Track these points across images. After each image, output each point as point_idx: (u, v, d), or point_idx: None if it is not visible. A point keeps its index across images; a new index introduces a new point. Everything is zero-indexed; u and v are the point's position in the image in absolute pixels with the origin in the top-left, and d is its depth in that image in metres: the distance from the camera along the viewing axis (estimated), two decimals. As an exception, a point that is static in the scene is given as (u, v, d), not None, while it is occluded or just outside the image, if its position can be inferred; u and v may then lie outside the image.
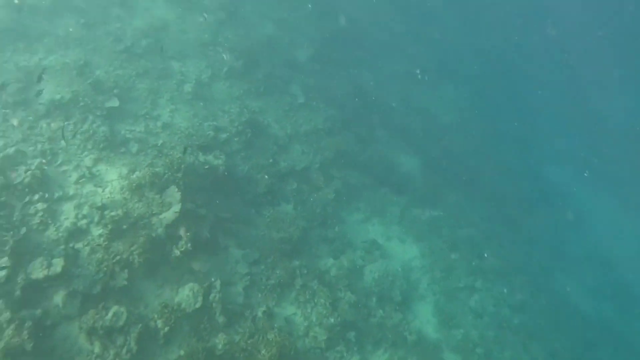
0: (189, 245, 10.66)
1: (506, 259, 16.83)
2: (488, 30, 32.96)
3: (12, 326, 8.82)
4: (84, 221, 10.86)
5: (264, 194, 13.45)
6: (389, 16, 27.70)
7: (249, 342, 10.10)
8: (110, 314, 9.42)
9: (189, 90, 15.88)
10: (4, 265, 9.56)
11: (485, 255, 15.74)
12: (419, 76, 24.85)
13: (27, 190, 11.32)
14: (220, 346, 9.80)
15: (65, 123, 12.51)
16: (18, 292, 9.31)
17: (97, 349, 9.13)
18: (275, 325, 10.81)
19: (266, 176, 13.87)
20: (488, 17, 33.85)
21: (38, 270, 9.61)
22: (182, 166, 11.98)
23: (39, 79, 12.28)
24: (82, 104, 14.02)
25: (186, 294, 10.17)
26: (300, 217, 13.57)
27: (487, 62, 31.20)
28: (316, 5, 24.11)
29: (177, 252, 10.57)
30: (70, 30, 17.06)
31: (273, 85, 17.58)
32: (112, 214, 10.85)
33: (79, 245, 10.39)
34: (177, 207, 10.90)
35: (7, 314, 9.00)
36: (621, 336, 18.00)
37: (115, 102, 14.28)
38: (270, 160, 14.47)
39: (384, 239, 14.73)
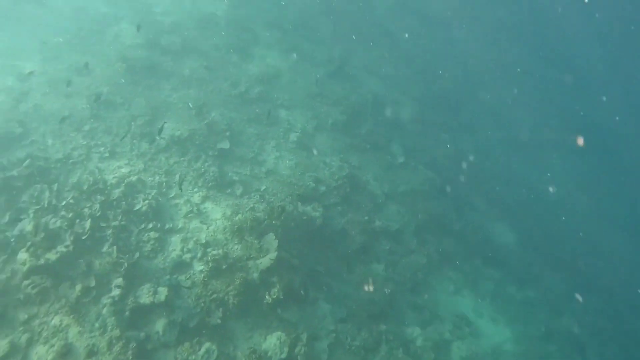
0: (281, 293, 11.39)
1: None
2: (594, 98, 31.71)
3: (120, 344, 9.97)
4: (188, 255, 12.07)
5: (357, 251, 13.97)
6: (498, 80, 27.90)
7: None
8: (202, 350, 10.29)
9: (294, 139, 17.15)
10: (119, 285, 10.89)
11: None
12: (520, 143, 24.50)
13: (143, 217, 12.87)
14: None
15: (180, 173, 14.02)
16: (127, 313, 10.52)
17: None
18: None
19: (357, 234, 14.43)
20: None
21: (145, 296, 10.81)
22: (282, 215, 12.93)
23: (160, 130, 14.07)
24: (197, 142, 15.74)
25: (273, 342, 10.80)
26: (390, 280, 13.85)
27: (596, 133, 30.05)
28: (423, 64, 25.07)
29: (268, 299, 11.33)
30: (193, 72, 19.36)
31: (374, 142, 18.42)
32: (214, 252, 11.95)
33: (181, 277, 11.54)
34: (273, 255, 11.75)
35: (116, 331, 10.20)
36: None
37: (226, 144, 15.84)
38: (366, 218, 15.05)
39: (475, 315, 14.49)
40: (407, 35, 26.89)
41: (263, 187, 14.62)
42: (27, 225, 12.34)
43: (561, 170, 26.36)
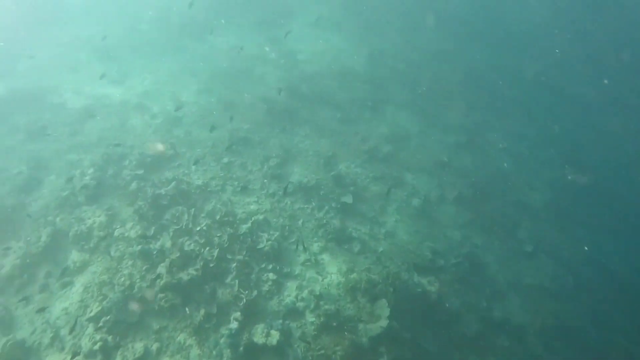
0: (388, 364, 11.65)
1: None
2: None
3: None
4: (302, 304, 12.85)
5: (472, 339, 13.70)
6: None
7: None
8: (303, 402, 10.83)
9: (416, 205, 17.60)
10: (237, 318, 11.93)
11: None
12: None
13: (264, 257, 14.00)
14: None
15: (298, 235, 15.05)
16: (241, 349, 11.47)
17: None
18: None
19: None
20: None
21: (259, 336, 11.70)
22: (397, 282, 13.30)
23: (285, 189, 15.61)
24: (322, 192, 16.84)
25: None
26: None
27: None
28: (564, 147, 24.35)
29: (374, 368, 11.65)
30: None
31: (500, 223, 18.19)
32: (326, 307, 12.60)
33: (293, 324, 12.31)
34: (384, 323, 12.10)
35: None
36: None
37: (349, 199, 16.73)
38: (484, 304, 14.77)
39: None
40: (545, 115, 26.43)
41: (380, 249, 15.15)
42: (167, 241, 14.08)
43: None
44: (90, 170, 17.01)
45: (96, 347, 11.46)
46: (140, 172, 17.06)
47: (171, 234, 14.31)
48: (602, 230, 20.43)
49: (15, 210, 15.84)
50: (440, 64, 28.84)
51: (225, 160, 18.24)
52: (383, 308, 12.61)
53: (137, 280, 12.93)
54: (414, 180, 19.00)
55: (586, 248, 18.67)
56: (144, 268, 13.26)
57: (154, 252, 13.64)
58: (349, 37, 30.91)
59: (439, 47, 30.61)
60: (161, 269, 12.86)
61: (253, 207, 16.09)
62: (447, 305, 14.06)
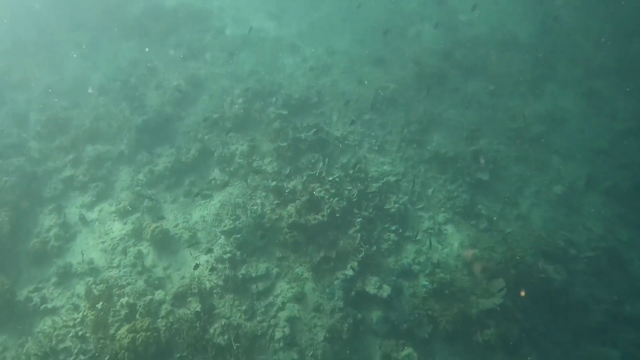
0: (493, 338, 12.49)
1: None
2: None
3: (340, 314, 12.67)
4: (417, 267, 14.06)
5: (592, 329, 13.92)
6: None
7: None
8: (405, 352, 12.23)
9: (558, 192, 17.42)
10: (353, 267, 13.63)
11: None
12: None
13: (389, 218, 15.38)
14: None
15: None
16: (353, 293, 13.17)
17: None
18: None
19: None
20: None
21: (371, 287, 13.24)
22: (519, 266, 13.83)
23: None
24: (458, 165, 17.51)
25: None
26: None
27: None
28: None
29: (479, 338, 12.57)
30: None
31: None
32: (442, 275, 13.64)
33: (406, 283, 13.67)
34: (498, 300, 12.85)
35: (340, 303, 12.95)
36: None
37: (485, 176, 17.20)
38: (615, 298, 14.70)
39: None
40: None
41: (508, 230, 15.59)
42: (299, 184, 16.13)
43: None
44: (240, 100, 19.90)
45: (226, 256, 14.13)
46: (285, 112, 19.37)
47: (304, 178, 16.33)
48: None
49: (171, 119, 19.56)
50: (631, 39, 26.61)
51: (367, 117, 19.70)
52: (500, 287, 13.32)
53: (268, 212, 15.28)
54: (560, 165, 18.62)
55: None
56: (275, 202, 15.57)
57: (286, 191, 15.85)
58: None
59: (636, 18, 28.10)
60: (291, 208, 15.00)
61: (386, 167, 17.43)
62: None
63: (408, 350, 12.28)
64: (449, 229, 15.42)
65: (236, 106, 19.56)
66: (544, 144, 19.43)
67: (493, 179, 17.36)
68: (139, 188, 17.25)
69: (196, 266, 13.73)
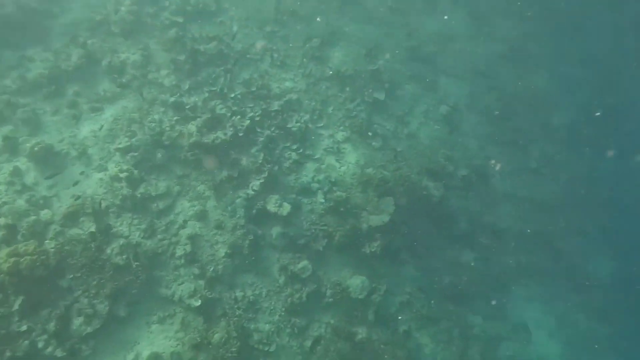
0: (379, 249, 13.71)
1: None
2: None
3: (242, 231, 13.04)
4: (316, 185, 14.61)
5: (458, 236, 15.92)
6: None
7: (381, 346, 13.07)
8: (301, 265, 13.08)
9: (444, 112, 18.53)
10: (255, 187, 13.80)
11: None
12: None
13: (291, 137, 15.48)
14: (359, 336, 12.89)
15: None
16: (254, 211, 13.49)
17: (281, 281, 13.01)
18: (407, 345, 13.53)
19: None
20: None
21: (271, 205, 13.61)
22: (406, 184, 14.92)
23: None
24: (357, 84, 17.74)
25: (357, 283, 13.31)
26: (476, 272, 15.75)
27: None
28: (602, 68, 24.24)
29: (367, 250, 13.72)
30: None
31: (514, 140, 19.38)
32: (338, 194, 14.33)
33: (305, 200, 14.21)
34: (386, 218, 13.92)
35: (242, 221, 13.27)
36: None
37: (382, 95, 17.67)
38: (478, 209, 16.73)
39: (536, 327, 16.25)
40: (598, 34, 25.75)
41: (399, 149, 16.54)
42: (200, 100, 15.43)
43: None
44: (127, 2, 17.69)
45: (122, 175, 13.26)
46: (180, 19, 17.84)
47: (206, 94, 15.62)
48: (609, 147, 21.68)
49: (40, 15, 17.03)
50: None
51: (269, 29, 18.88)
52: (389, 205, 14.35)
53: (167, 129, 14.36)
54: (447, 85, 19.66)
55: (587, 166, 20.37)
56: (174, 119, 14.71)
57: (187, 107, 15.03)
58: None
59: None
60: (192, 126, 14.37)
61: (288, 84, 17.20)
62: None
63: (304, 262, 13.13)
64: (347, 147, 15.97)
65: (123, 9, 17.51)
66: (435, 63, 20.19)
67: (389, 98, 17.93)
68: (8, 96, 14.86)
69: (83, 185, 12.94)
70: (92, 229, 11.98)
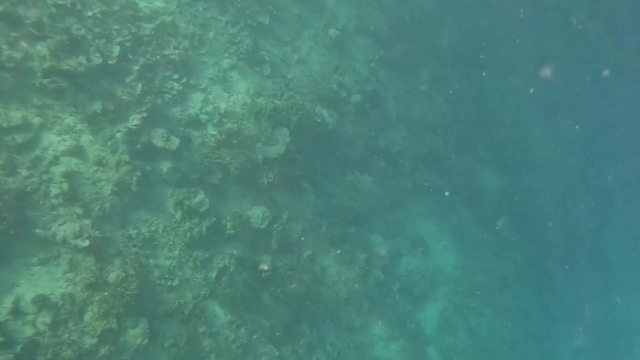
0: (276, 180, 14.19)
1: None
2: None
3: (127, 167, 12.63)
4: (205, 117, 14.43)
5: (355, 161, 16.95)
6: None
7: (287, 272, 13.84)
8: (197, 199, 13.14)
9: (333, 35, 18.95)
10: (136, 120, 13.37)
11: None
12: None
13: (170, 65, 15.01)
14: (264, 265, 13.60)
15: None
16: (139, 146, 13.10)
17: (178, 216, 12.98)
18: (312, 269, 14.51)
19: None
20: None
21: (158, 139, 13.28)
22: (300, 112, 15.34)
23: None
24: (238, 5, 17.40)
25: (257, 214, 13.77)
26: (374, 195, 17.03)
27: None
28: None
29: (265, 181, 14.12)
30: None
31: (406, 63, 20.60)
32: (229, 125, 14.34)
33: (194, 133, 14.10)
34: (281, 149, 14.32)
35: (126, 156, 12.78)
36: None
37: (266, 19, 17.56)
38: (373, 134, 17.86)
39: (432, 240, 18.31)
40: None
41: (290, 76, 16.77)
42: (45, 15, 13.42)
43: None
44: None
45: None
46: None
47: (51, 6, 13.17)
48: (493, 68, 24.06)
49: None
50: None
51: None
52: (284, 136, 14.72)
53: (5, 48, 12.20)
54: (335, 6, 20.04)
55: (473, 87, 22.57)
56: (12, 35, 12.43)
57: (27, 22, 12.63)
58: None
59: None
60: (41, 47, 12.61)
61: (159, 4, 16.35)
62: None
63: (200, 196, 13.24)
64: (234, 75, 15.86)
65: None
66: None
67: (274, 21, 17.89)
68: None
69: None
70: None
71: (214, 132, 14.20)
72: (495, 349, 18.38)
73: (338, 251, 15.26)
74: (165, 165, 13.23)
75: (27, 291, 10.83)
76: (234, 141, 14.15)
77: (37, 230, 11.36)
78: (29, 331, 10.60)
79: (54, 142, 12.30)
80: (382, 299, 16.27)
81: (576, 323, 22.94)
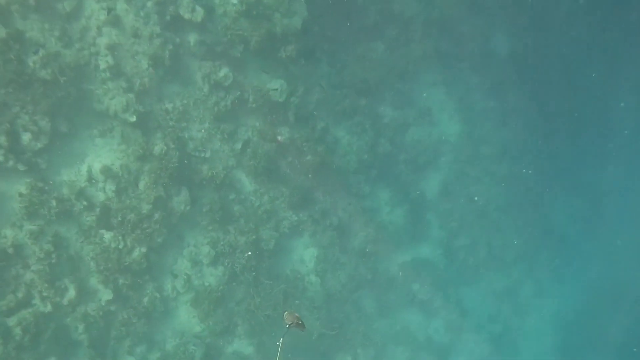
0: (294, 53, 18.56)
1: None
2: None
3: (160, 40, 16.37)
4: (225, -13, 18.08)
5: (368, 27, 21.12)
6: None
7: (303, 143, 18.70)
8: (222, 73, 17.44)
9: None
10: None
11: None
12: None
13: None
14: (283, 136, 18.41)
15: None
16: (168, 17, 16.86)
17: (206, 89, 17.19)
18: (326, 140, 19.49)
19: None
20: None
21: (185, 10, 17.15)
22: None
23: None
24: None
25: (276, 87, 18.39)
26: (385, 63, 21.45)
27: None
28: None
29: (283, 54, 18.41)
30: None
31: None
32: (249, -1, 18.02)
33: (216, 1, 17.71)
34: (299, 21, 18.35)
35: (157, 28, 16.31)
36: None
37: None
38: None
39: (438, 109, 23.34)
40: None
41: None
42: None
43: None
44: None
45: None
46: None
47: None
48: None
49: None
50: None
51: None
52: (301, 7, 18.73)
53: None
54: None
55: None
56: None
57: None
58: None
59: None
60: None
61: None
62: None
63: (225, 70, 17.60)
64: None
65: None
66: None
67: None
68: None
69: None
70: (2, 33, 14.27)
71: (235, 2, 18.14)
72: (489, 215, 24.23)
73: (349, 123, 20.16)
74: (192, 38, 17.22)
75: (94, 161, 15.55)
76: (254, 12, 18.17)
77: (94, 104, 15.90)
78: (101, 196, 15.51)
79: (95, 9, 16.18)
80: (388, 168, 21.27)
81: (572, 190, 28.67)
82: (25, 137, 14.62)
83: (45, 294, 14.82)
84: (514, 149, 25.74)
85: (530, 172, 26.00)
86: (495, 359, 24.36)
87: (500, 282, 25.13)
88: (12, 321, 14.31)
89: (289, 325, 8.59)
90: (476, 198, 24.08)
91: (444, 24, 23.67)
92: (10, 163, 14.34)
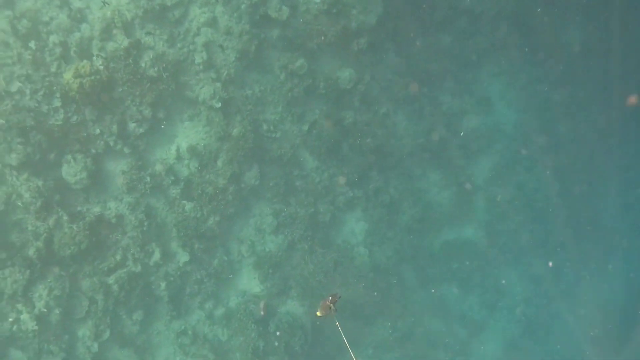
0: (365, 46, 25.44)
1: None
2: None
3: (248, 36, 22.93)
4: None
5: (437, 21, 27.20)
6: None
7: (364, 127, 25.99)
8: (298, 63, 23.88)
9: None
10: (254, -11, 24.52)
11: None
12: None
13: None
14: (347, 120, 25.95)
15: None
16: (257, 17, 23.22)
17: (282, 77, 24.43)
18: (386, 124, 26.68)
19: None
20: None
21: (272, 10, 23.21)
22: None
23: None
24: None
25: (345, 76, 24.79)
26: (449, 53, 27.61)
27: None
28: None
29: (355, 47, 25.04)
30: None
31: None
32: (331, -6, 24.64)
33: (301, 0, 24.86)
34: (373, 18, 25.32)
35: (247, 27, 22.94)
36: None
37: None
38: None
39: (497, 98, 29.34)
40: None
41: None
42: None
43: None
44: None
45: None
46: None
47: None
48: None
49: None
50: None
51: None
52: (376, 4, 25.37)
53: None
54: None
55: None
56: None
57: None
58: None
59: None
60: None
61: None
62: None
63: (300, 60, 24.54)
64: None
65: None
66: None
67: None
68: None
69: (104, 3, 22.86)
70: (125, 43, 22.47)
71: (318, 0, 24.87)
72: (536, 203, 29.86)
73: (409, 109, 26.19)
74: (275, 33, 23.79)
75: (182, 141, 22.84)
76: (334, 11, 25.13)
77: (187, 93, 23.02)
78: (186, 172, 23.00)
79: (197, 14, 23.77)
80: (441, 152, 27.54)
81: (625, 185, 33.10)
82: (131, 125, 22.21)
83: (137, 256, 22.70)
84: (570, 141, 31.16)
85: (584, 165, 31.45)
86: (525, 341, 30.63)
87: (538, 268, 31.13)
88: (111, 279, 22.26)
89: (326, 314, 11.37)
90: (524, 187, 30.01)
91: (515, 18, 29.11)
92: (118, 147, 22.08)
